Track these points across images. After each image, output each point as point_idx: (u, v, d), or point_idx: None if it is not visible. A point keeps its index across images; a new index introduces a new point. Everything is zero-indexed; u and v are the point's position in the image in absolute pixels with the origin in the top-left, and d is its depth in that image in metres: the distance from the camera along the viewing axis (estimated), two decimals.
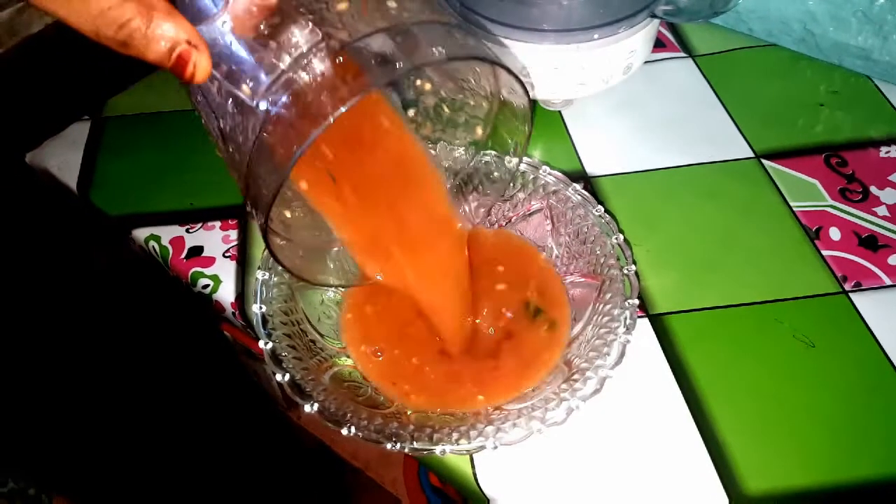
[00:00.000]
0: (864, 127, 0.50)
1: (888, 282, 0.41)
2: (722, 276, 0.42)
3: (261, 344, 0.33)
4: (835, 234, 0.44)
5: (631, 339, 0.34)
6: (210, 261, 0.44)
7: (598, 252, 0.38)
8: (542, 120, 0.52)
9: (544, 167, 0.41)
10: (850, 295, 0.41)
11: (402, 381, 0.36)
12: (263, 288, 0.35)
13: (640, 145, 0.50)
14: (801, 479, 0.34)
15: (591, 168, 0.48)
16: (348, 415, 0.31)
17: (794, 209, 0.45)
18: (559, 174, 0.41)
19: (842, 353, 0.39)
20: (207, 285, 0.43)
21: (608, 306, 0.36)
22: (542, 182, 0.41)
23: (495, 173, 0.42)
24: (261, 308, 0.34)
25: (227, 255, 0.44)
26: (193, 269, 0.43)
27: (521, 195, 0.42)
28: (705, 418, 0.36)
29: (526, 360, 0.37)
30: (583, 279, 0.39)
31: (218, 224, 0.45)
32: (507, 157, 0.36)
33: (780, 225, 0.45)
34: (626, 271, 0.37)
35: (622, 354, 0.33)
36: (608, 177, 0.47)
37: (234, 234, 0.45)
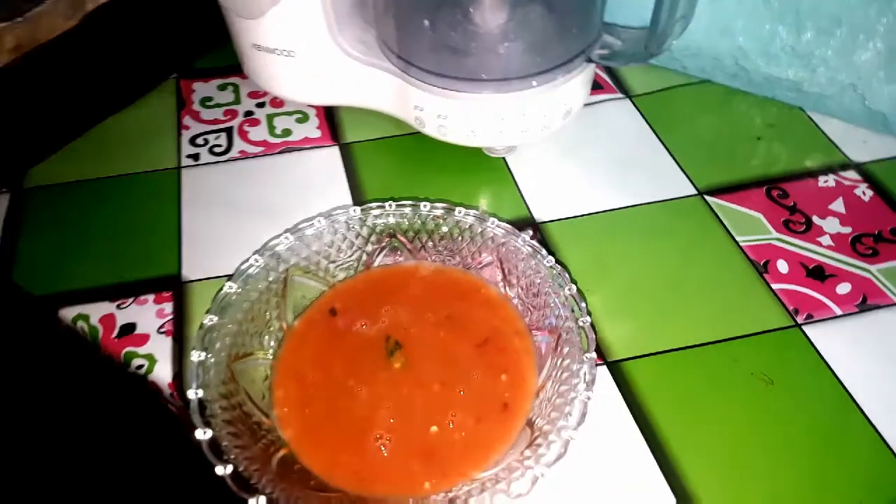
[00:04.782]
0: (801, 158, 0.51)
1: (838, 311, 0.41)
2: (675, 318, 0.41)
3: (198, 434, 0.30)
4: (782, 266, 0.44)
5: (592, 395, 0.33)
6: (144, 338, 0.41)
7: (552, 304, 0.37)
8: (487, 166, 0.51)
9: (492, 219, 0.40)
10: (804, 328, 0.41)
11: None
12: (200, 370, 0.33)
13: (584, 188, 0.49)
14: None
15: (539, 213, 0.47)
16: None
17: (741, 244, 0.45)
18: (507, 225, 0.40)
19: (801, 388, 0.38)
20: (142, 365, 0.40)
21: (566, 361, 0.35)
22: (491, 234, 0.40)
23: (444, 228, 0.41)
24: (197, 393, 0.32)
25: (161, 330, 0.41)
26: (126, 349, 0.40)
27: (471, 248, 0.41)
28: (669, 462, 0.35)
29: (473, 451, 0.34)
30: (538, 333, 0.38)
31: (151, 297, 0.43)
32: None
33: (728, 261, 0.45)
34: (581, 323, 0.35)
35: (584, 413, 0.32)
36: (555, 222, 0.47)
37: (168, 307, 0.42)
